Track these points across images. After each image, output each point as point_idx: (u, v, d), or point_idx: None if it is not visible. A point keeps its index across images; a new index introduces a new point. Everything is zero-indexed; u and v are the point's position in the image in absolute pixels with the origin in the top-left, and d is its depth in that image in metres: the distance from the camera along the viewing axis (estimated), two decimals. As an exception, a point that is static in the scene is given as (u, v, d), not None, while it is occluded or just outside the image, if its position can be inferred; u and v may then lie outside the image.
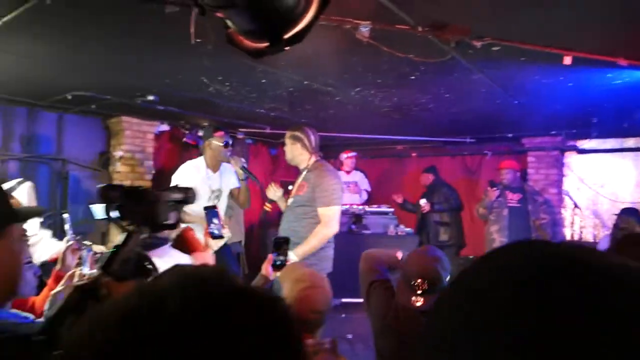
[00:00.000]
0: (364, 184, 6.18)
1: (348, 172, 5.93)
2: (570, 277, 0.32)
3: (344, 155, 5.97)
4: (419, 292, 1.62)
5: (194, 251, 1.67)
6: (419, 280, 1.62)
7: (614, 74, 2.87)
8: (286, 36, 1.06)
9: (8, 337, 0.91)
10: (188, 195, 1.29)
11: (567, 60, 2.47)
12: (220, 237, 2.11)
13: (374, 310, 1.87)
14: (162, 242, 2.24)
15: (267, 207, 3.17)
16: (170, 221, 1.24)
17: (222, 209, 3.36)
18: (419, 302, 1.62)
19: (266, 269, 2.04)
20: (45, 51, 2.76)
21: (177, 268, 0.52)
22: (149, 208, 1.20)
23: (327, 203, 2.91)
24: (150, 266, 1.18)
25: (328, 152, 5.91)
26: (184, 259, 1.93)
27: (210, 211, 2.14)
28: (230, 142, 3.45)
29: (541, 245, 0.37)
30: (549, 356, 0.29)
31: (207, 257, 1.65)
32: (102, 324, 0.45)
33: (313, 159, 3.07)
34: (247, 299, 0.49)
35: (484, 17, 2.15)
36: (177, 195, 1.27)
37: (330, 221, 2.89)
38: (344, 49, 2.53)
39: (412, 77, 3.08)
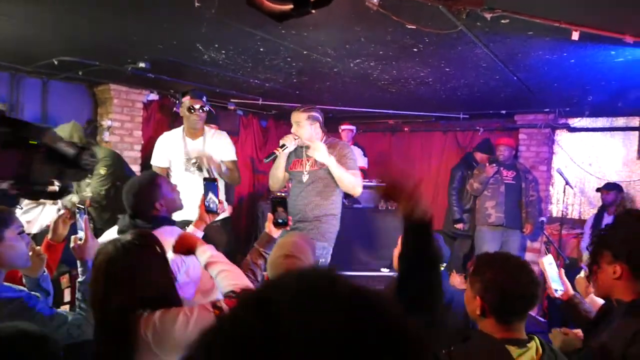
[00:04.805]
0: (361, 162, 6.03)
1: None
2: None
3: (341, 127, 5.85)
4: None
5: (192, 250, 1.67)
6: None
7: (617, 52, 2.84)
8: (313, -2, 1.00)
9: None
10: (80, 154, 0.89)
11: (575, 35, 2.43)
12: (215, 212, 2.08)
13: None
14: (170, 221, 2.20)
15: (278, 151, 3.09)
16: (50, 186, 0.89)
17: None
18: None
19: (269, 227, 2.11)
20: (30, 12, 2.60)
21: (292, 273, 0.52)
22: (22, 159, 0.82)
23: (354, 167, 3.08)
24: None
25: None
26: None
27: (209, 184, 2.09)
28: (197, 107, 3.24)
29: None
30: None
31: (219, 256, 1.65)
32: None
33: (324, 137, 3.18)
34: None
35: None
36: (66, 148, 0.88)
37: (360, 180, 3.06)
38: (349, 17, 2.44)
39: (415, 50, 3.01)
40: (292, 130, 3.10)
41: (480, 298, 1.35)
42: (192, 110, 3.24)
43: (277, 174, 3.12)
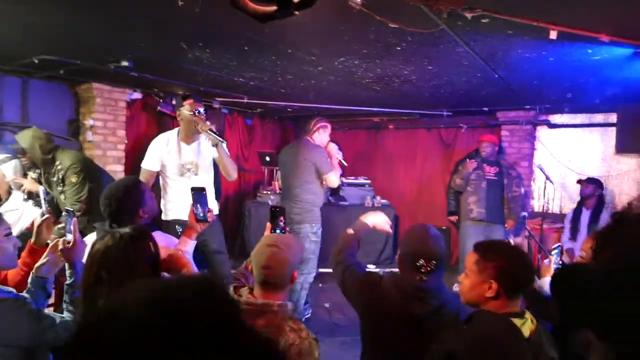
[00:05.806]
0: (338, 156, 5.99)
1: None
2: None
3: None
4: (423, 271, 1.71)
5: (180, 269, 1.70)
6: (423, 261, 1.70)
7: (594, 50, 2.92)
8: (297, -1, 1.01)
9: None
10: None
11: (553, 34, 2.49)
12: (205, 220, 2.06)
13: (354, 293, 1.97)
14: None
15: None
16: None
17: (208, 183, 3.24)
18: (424, 280, 1.70)
19: None
20: (10, 10, 2.57)
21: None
22: None
23: None
24: None
25: (306, 123, 5.83)
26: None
27: (198, 194, 2.08)
28: (201, 110, 3.15)
29: None
30: None
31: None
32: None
33: None
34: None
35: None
36: None
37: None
38: (333, 17, 2.46)
39: (398, 48, 3.04)
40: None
41: (496, 282, 1.49)
42: (197, 113, 3.13)
43: None
